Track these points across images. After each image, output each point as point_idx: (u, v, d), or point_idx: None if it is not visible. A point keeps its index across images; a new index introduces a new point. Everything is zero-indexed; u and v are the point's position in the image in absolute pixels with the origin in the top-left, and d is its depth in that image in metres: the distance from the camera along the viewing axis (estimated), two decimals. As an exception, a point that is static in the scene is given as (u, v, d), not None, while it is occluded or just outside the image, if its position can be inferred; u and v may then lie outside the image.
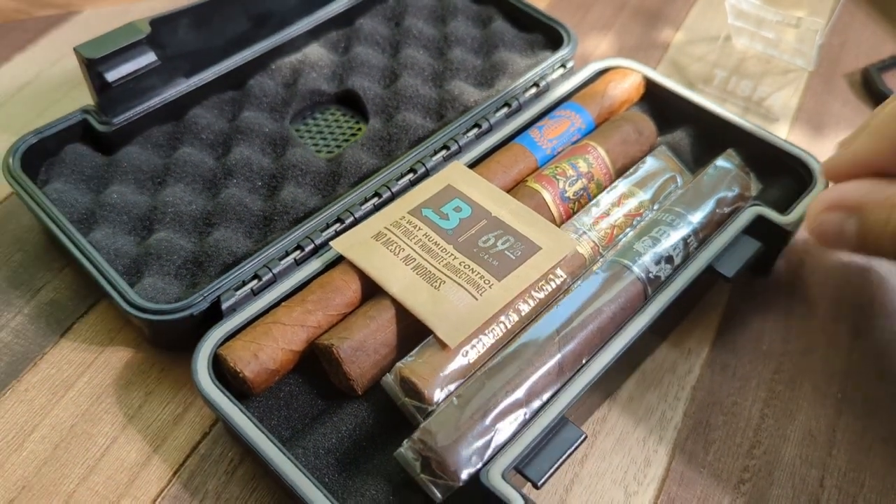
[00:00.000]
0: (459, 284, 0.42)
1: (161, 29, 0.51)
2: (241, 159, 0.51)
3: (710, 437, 0.43)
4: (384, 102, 0.56)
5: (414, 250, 0.44)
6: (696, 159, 0.53)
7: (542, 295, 0.43)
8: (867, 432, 0.43)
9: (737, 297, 0.49)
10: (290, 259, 0.45)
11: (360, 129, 0.56)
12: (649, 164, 0.50)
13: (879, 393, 0.45)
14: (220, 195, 0.50)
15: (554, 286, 0.44)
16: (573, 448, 0.37)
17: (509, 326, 0.42)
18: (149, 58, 0.51)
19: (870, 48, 0.66)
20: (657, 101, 0.56)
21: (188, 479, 0.41)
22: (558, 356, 0.40)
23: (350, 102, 0.58)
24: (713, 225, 0.46)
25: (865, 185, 0.42)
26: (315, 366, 0.43)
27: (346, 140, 0.56)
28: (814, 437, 0.43)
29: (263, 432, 0.38)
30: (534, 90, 0.55)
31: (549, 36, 0.60)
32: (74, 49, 0.48)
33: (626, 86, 0.54)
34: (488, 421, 0.37)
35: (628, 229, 0.47)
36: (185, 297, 0.44)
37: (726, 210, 0.47)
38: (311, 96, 0.57)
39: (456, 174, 0.49)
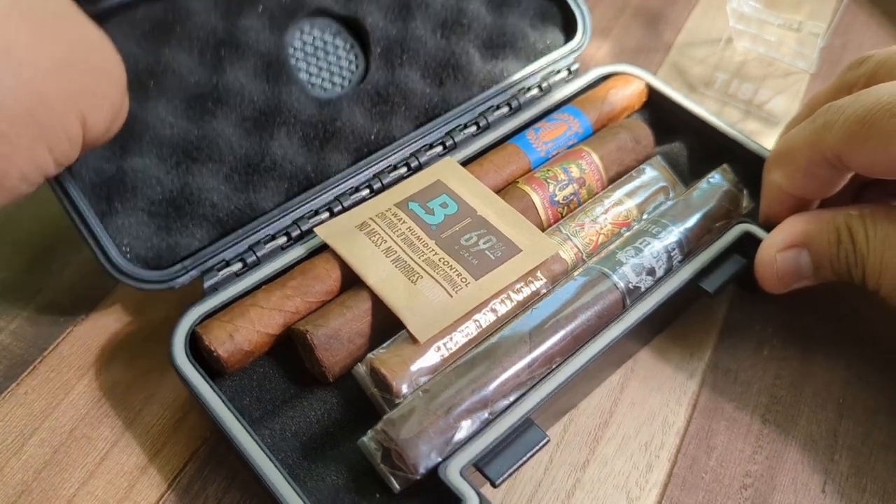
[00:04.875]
0: (436, 280, 0.42)
1: None
2: (233, 80, 0.48)
3: (712, 443, 0.43)
4: (389, 45, 0.53)
5: (396, 243, 0.44)
6: (693, 170, 0.53)
7: (520, 297, 0.43)
8: (869, 437, 0.43)
9: (737, 303, 0.49)
10: (275, 244, 0.45)
11: (357, 69, 0.53)
12: (642, 173, 0.49)
13: (881, 397, 0.45)
14: (205, 124, 0.47)
15: (532, 289, 0.44)
16: (535, 450, 0.37)
17: (484, 326, 0.42)
18: None
19: (871, 50, 0.66)
20: (658, 110, 0.55)
21: (188, 485, 0.41)
22: (528, 358, 0.40)
23: (354, 31, 0.54)
24: (699, 239, 0.46)
25: (803, 216, 0.43)
26: (291, 350, 0.43)
27: (343, 78, 0.53)
28: (815, 443, 0.43)
29: (231, 411, 0.39)
30: (536, 91, 0.54)
31: (564, 16, 0.58)
32: None
33: (627, 93, 0.54)
34: (452, 417, 0.37)
35: (614, 238, 0.47)
36: (165, 260, 0.44)
37: (715, 225, 0.47)
38: (316, 10, 0.52)
39: (447, 170, 0.49)
